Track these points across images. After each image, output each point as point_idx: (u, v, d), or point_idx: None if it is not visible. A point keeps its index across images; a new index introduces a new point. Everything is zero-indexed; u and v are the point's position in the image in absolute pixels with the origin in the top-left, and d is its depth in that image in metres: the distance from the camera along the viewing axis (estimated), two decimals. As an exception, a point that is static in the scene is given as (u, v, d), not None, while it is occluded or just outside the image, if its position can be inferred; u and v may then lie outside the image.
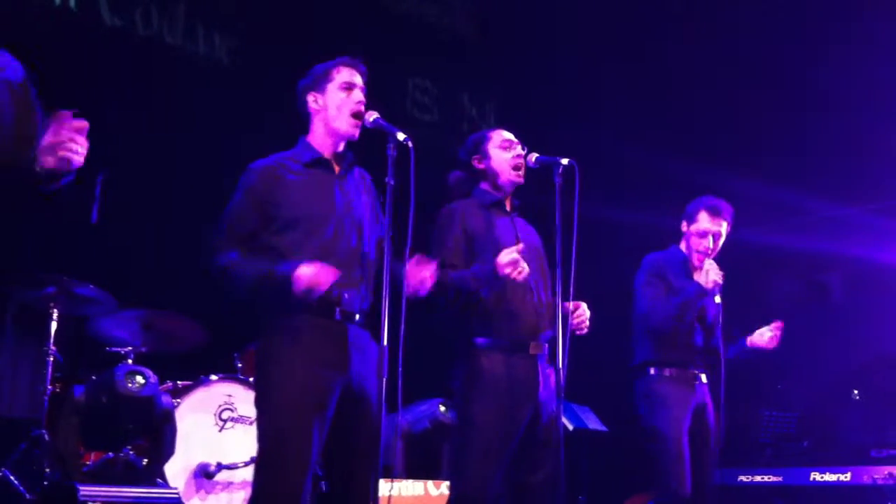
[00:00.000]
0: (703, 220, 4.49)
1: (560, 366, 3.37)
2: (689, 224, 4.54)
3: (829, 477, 5.44)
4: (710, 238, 4.47)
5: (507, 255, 3.36)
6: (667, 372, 4.40)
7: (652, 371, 4.42)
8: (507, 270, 3.35)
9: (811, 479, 5.50)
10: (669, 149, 7.13)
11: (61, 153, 2.33)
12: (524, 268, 3.37)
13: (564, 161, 3.58)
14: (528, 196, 3.89)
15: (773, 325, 4.58)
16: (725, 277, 4.32)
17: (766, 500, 5.69)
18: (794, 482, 5.60)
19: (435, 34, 7.76)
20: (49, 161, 2.35)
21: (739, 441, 6.14)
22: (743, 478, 5.81)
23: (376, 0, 7.37)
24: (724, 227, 4.51)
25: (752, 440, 6.22)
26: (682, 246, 4.60)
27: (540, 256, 3.77)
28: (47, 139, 2.36)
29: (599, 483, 6.42)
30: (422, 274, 3.20)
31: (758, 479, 5.75)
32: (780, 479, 5.69)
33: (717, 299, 4.43)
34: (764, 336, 4.56)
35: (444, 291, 3.45)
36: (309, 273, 2.93)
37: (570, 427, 6.05)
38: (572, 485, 5.72)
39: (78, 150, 2.34)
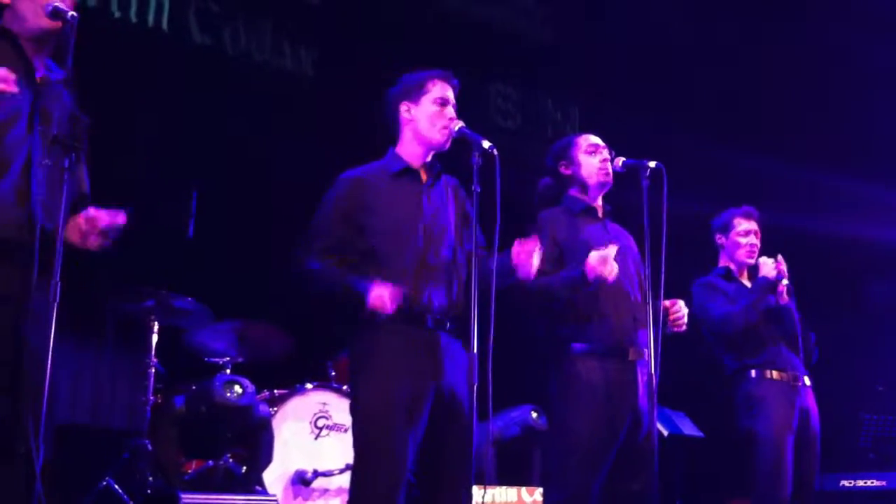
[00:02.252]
0: (741, 223, 4.60)
1: (653, 370, 3.35)
2: (726, 233, 4.62)
3: (936, 481, 5.28)
4: (753, 235, 4.58)
5: (598, 254, 3.35)
6: (768, 374, 4.34)
7: (753, 374, 4.36)
8: (598, 270, 3.33)
9: (916, 483, 5.36)
10: (756, 147, 7.02)
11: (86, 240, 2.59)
12: (613, 267, 3.35)
13: (652, 164, 3.55)
14: (619, 199, 3.87)
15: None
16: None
17: (868, 504, 5.55)
18: (898, 486, 5.45)
19: (513, 40, 7.76)
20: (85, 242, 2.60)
21: (840, 445, 5.99)
22: (845, 482, 5.67)
23: (452, 8, 7.41)
24: (756, 226, 4.61)
25: (853, 444, 6.08)
26: (721, 262, 4.66)
27: (635, 261, 3.73)
28: (81, 220, 2.58)
29: (695, 489, 6.34)
30: (528, 248, 3.16)
31: (860, 483, 5.60)
32: (883, 483, 5.54)
33: (785, 281, 4.39)
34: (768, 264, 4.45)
35: (531, 298, 3.45)
36: (376, 296, 2.99)
37: (665, 433, 5.98)
38: (668, 491, 5.65)
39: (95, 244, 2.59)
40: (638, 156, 3.70)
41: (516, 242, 3.18)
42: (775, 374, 4.35)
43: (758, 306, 4.35)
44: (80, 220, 2.57)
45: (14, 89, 2.31)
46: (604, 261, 3.34)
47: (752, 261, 4.53)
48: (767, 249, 4.58)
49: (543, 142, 4.13)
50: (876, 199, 7.04)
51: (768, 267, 4.36)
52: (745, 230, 4.58)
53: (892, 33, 6.87)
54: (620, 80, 7.71)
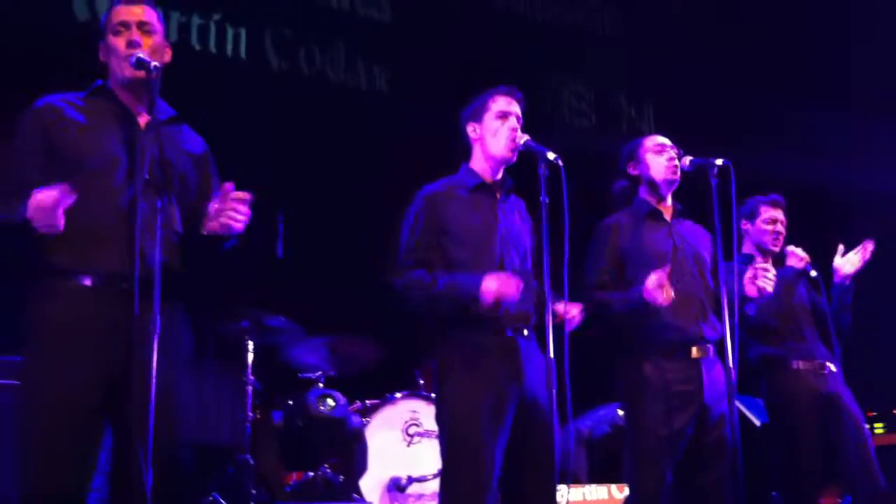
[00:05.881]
0: (767, 211, 4.58)
1: (731, 363, 3.39)
2: (752, 220, 4.59)
3: None
4: (779, 224, 4.56)
5: (653, 281, 3.44)
6: (794, 364, 4.35)
7: (779, 364, 4.37)
8: (655, 296, 3.42)
9: None
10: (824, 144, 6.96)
11: (223, 220, 2.69)
12: (669, 293, 3.43)
13: (719, 162, 3.58)
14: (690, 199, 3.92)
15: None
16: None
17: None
18: None
19: (584, 39, 7.80)
20: (212, 225, 2.72)
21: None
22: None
23: (521, 13, 7.48)
24: (782, 214, 4.60)
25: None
26: (745, 249, 4.64)
27: (700, 261, 3.80)
28: (213, 206, 2.72)
29: (793, 480, 6.27)
30: (570, 314, 3.27)
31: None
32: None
33: (813, 273, 4.45)
34: (849, 261, 4.48)
35: (595, 312, 3.54)
36: (495, 286, 3.09)
37: (758, 423, 5.95)
38: (764, 481, 5.64)
39: (238, 218, 2.69)
40: (711, 153, 3.73)
41: (562, 305, 3.24)
42: (802, 363, 4.35)
43: (787, 297, 4.37)
44: (213, 203, 2.74)
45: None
46: (659, 287, 3.42)
47: (776, 248, 4.53)
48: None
49: (619, 138, 4.19)
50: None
51: (797, 257, 4.39)
52: (770, 217, 4.57)
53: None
54: (693, 74, 7.68)
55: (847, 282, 4.52)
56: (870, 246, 4.49)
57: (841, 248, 4.54)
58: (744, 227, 4.66)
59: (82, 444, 2.57)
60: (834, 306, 4.56)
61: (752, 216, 4.61)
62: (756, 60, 7.71)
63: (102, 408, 2.60)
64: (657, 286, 3.43)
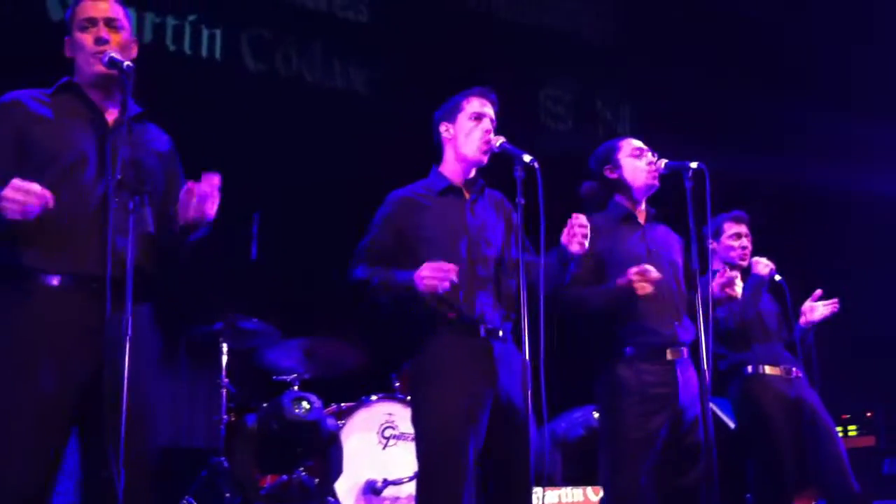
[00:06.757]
0: (731, 227, 4.63)
1: (705, 366, 3.40)
2: (717, 237, 4.64)
3: None
4: (744, 238, 4.61)
5: (635, 271, 3.43)
6: (762, 369, 4.40)
7: (749, 370, 4.41)
8: (636, 279, 3.40)
9: None
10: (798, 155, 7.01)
11: (197, 207, 2.67)
12: (649, 281, 3.42)
13: (693, 165, 3.59)
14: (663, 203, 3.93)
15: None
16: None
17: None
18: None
19: (561, 43, 7.82)
20: (187, 215, 2.69)
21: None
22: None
23: (498, 17, 7.49)
24: (746, 229, 4.65)
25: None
26: (713, 266, 4.63)
27: (674, 265, 3.80)
28: (184, 195, 2.67)
29: (767, 482, 6.31)
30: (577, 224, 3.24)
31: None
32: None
33: (778, 277, 4.50)
34: (817, 309, 4.55)
35: (566, 308, 3.56)
36: (427, 273, 3.08)
37: (732, 425, 5.98)
38: (738, 484, 5.67)
39: (209, 206, 2.67)
40: (688, 154, 3.74)
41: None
42: (769, 369, 4.40)
43: (754, 303, 4.41)
44: (181, 196, 2.71)
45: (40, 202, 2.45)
46: (642, 272, 3.42)
47: (744, 263, 4.57)
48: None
49: (595, 142, 4.21)
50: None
51: (762, 265, 4.42)
52: (735, 233, 4.61)
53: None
54: (671, 78, 7.71)
55: (810, 326, 4.58)
56: (835, 305, 4.56)
57: (818, 292, 4.59)
58: (711, 246, 4.66)
59: (47, 447, 2.53)
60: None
61: (717, 234, 4.66)
62: (736, 61, 7.75)
63: (72, 410, 2.56)
64: (640, 270, 3.41)
